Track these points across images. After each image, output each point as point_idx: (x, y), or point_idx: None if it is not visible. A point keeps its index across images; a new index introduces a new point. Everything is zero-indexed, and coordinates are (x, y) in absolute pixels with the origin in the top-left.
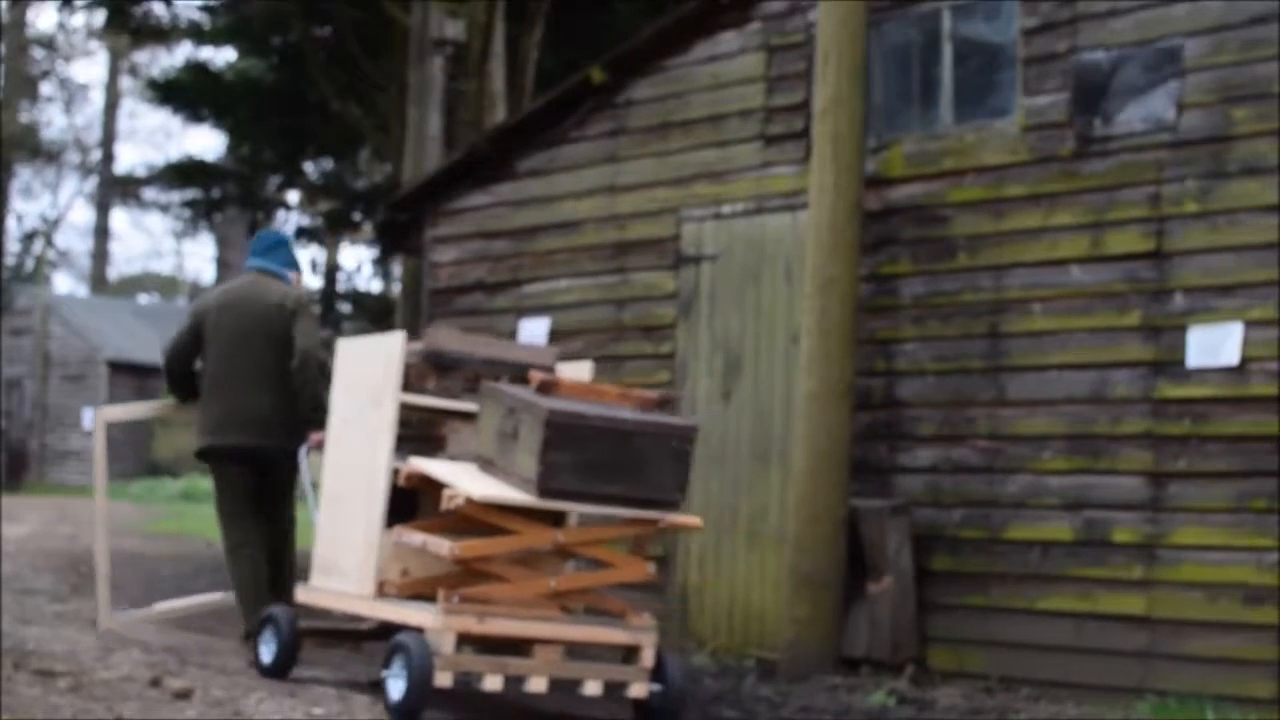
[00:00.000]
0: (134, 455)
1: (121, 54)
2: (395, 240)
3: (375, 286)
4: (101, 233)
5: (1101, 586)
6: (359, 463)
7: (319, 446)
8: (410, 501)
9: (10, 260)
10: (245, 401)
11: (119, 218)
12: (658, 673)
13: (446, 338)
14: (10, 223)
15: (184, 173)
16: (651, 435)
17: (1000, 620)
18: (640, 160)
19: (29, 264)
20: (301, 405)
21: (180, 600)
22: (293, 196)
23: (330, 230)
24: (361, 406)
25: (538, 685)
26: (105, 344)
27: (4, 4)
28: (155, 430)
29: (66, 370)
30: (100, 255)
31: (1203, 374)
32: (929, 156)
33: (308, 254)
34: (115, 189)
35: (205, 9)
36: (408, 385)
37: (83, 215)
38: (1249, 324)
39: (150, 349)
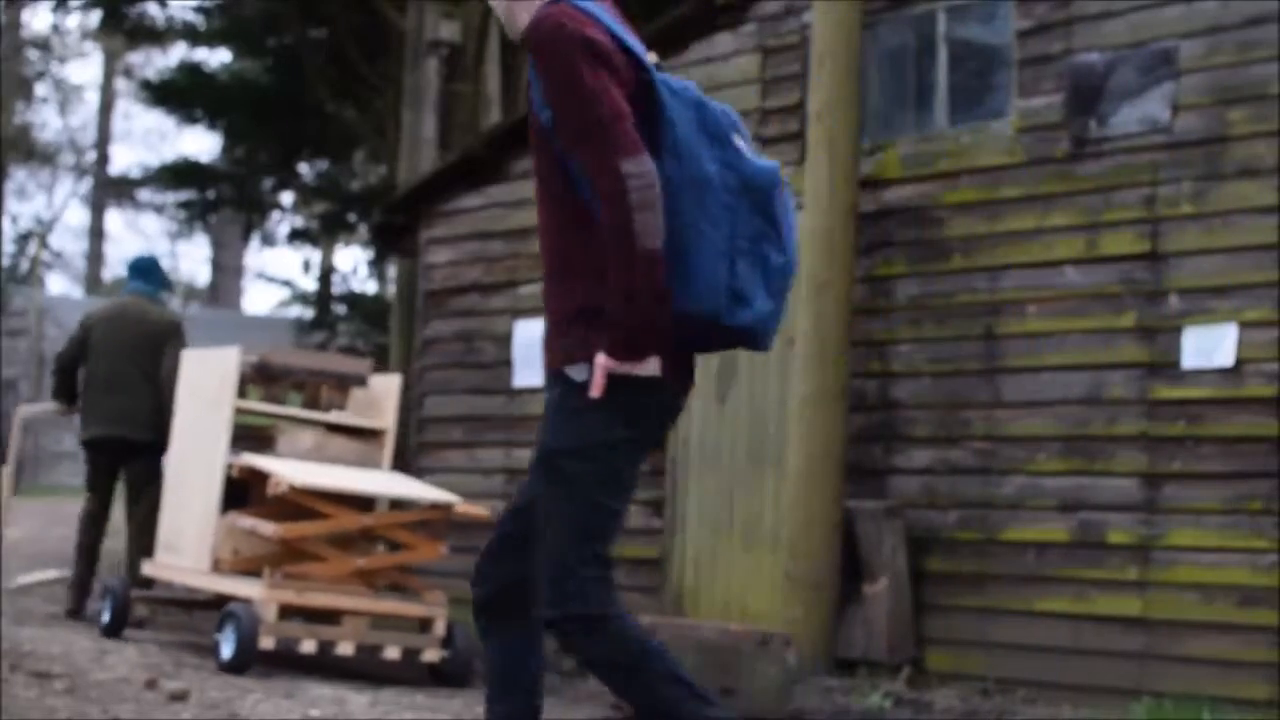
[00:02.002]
0: None
1: (116, 55)
2: (390, 242)
3: (370, 288)
4: (96, 234)
5: (1097, 588)
6: (199, 457)
7: None
8: (242, 492)
9: (5, 262)
10: (132, 401)
11: (114, 219)
12: (448, 641)
13: (276, 353)
14: (5, 224)
15: (179, 174)
16: None
17: (996, 622)
18: None
19: (24, 265)
20: (165, 407)
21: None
22: (288, 198)
23: (325, 232)
24: (202, 409)
25: (346, 649)
26: None
27: None
28: None
29: None
30: (95, 257)
31: (1198, 375)
32: (924, 158)
33: (303, 256)
34: (110, 190)
35: (200, 10)
36: (242, 392)
37: (77, 217)
38: (1244, 325)
39: None
